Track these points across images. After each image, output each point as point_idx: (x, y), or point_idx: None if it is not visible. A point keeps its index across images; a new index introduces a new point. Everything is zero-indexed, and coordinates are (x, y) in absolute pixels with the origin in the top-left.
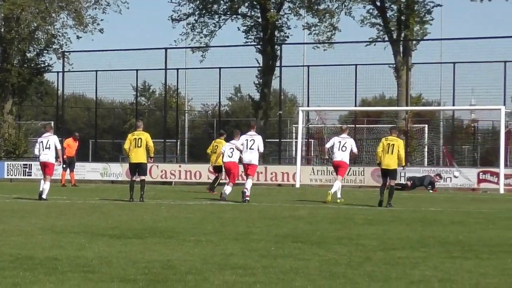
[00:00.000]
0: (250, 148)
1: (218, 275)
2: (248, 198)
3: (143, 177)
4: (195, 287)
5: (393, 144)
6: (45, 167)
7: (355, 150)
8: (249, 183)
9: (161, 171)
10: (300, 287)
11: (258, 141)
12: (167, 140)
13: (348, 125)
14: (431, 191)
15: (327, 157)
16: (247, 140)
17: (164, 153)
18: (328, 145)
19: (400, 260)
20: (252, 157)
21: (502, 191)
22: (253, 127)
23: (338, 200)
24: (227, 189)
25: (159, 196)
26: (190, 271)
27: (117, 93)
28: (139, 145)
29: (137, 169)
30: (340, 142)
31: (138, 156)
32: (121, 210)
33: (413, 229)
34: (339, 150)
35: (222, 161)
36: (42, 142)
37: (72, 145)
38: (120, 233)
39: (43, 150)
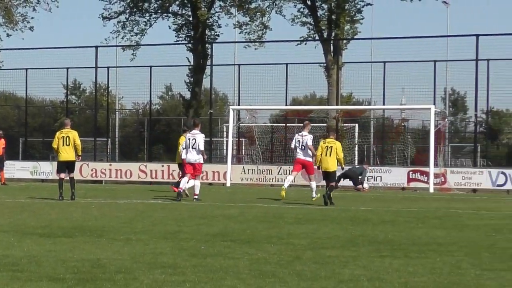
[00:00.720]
0: (192, 147)
1: (148, 274)
2: (196, 197)
3: (72, 175)
4: (124, 286)
5: (331, 147)
6: None
7: (309, 143)
8: (197, 183)
9: (92, 170)
10: (229, 286)
11: (199, 139)
12: (97, 139)
13: (279, 124)
14: (362, 186)
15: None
16: (189, 139)
17: (94, 152)
18: (292, 145)
19: (329, 259)
20: (195, 156)
21: (431, 190)
22: (197, 125)
23: (313, 199)
24: (189, 183)
25: (90, 194)
26: (119, 270)
27: (47, 92)
28: (67, 143)
29: (67, 167)
30: (299, 141)
31: (68, 154)
32: (51, 209)
33: (343, 228)
34: (300, 149)
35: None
36: None
37: None
38: (50, 232)
39: None
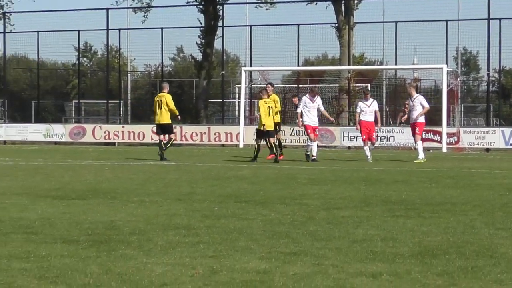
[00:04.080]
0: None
1: (162, 235)
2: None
3: (165, 138)
4: (138, 248)
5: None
6: None
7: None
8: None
9: (104, 132)
10: (243, 246)
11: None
12: (110, 101)
13: (291, 85)
14: None
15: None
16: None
17: (107, 114)
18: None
19: (343, 220)
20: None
21: (445, 150)
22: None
23: (423, 160)
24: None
25: (103, 157)
26: (133, 232)
27: (59, 54)
28: (160, 107)
29: (162, 129)
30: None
31: (160, 117)
32: (64, 172)
33: (356, 188)
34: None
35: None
36: None
37: None
38: (63, 194)
39: None
